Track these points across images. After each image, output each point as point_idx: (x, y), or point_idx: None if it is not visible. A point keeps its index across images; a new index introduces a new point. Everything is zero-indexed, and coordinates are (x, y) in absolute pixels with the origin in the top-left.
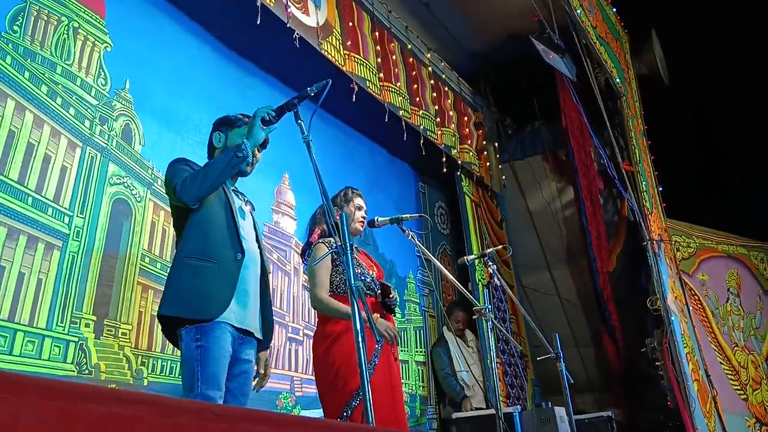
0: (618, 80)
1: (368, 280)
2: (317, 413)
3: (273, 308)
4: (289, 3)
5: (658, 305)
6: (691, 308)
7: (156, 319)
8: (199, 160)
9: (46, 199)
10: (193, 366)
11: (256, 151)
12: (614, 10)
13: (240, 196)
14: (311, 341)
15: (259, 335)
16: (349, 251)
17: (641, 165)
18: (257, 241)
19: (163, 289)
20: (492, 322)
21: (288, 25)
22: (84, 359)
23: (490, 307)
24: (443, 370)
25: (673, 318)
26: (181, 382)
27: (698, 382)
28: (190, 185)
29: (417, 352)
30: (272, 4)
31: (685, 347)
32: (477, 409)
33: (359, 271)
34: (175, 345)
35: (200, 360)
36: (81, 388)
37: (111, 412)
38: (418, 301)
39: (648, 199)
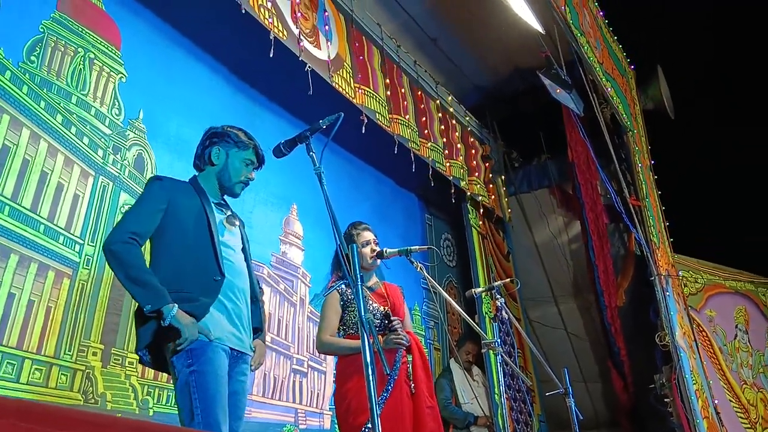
0: (624, 115)
1: (378, 317)
2: None
3: (278, 338)
4: (302, 37)
5: (667, 341)
6: (699, 344)
7: None
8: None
9: (58, 227)
10: (189, 392)
11: (252, 176)
12: (620, 46)
13: (223, 209)
14: (316, 373)
15: (251, 351)
16: (359, 283)
17: (648, 199)
18: (244, 252)
19: None
20: (501, 356)
21: (300, 59)
22: (90, 388)
23: (500, 341)
24: (445, 400)
25: (681, 354)
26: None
27: (708, 420)
28: (115, 244)
29: None
30: (285, 38)
31: (694, 384)
32: None
33: (369, 307)
34: (166, 372)
35: (196, 385)
36: (97, 417)
37: None
38: (423, 333)
39: (655, 234)
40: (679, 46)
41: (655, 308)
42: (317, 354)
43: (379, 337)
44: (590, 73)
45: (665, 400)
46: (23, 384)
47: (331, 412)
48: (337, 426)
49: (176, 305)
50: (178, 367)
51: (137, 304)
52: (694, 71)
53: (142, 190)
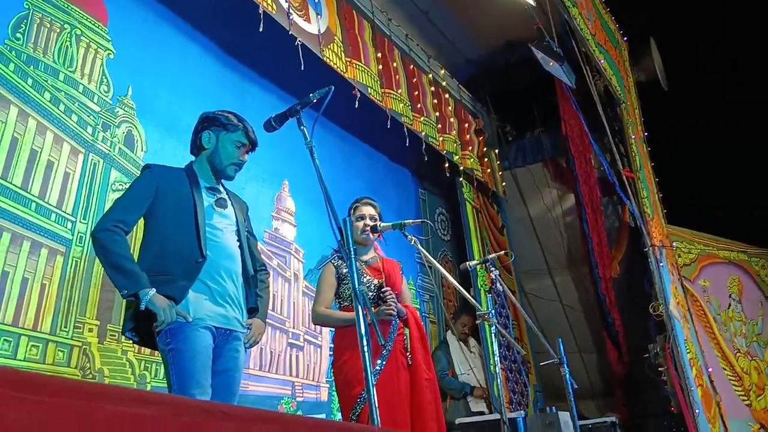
0: (617, 87)
1: (373, 289)
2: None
3: (273, 313)
4: (291, 11)
5: (661, 311)
6: (693, 314)
7: None
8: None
9: (49, 204)
10: (169, 371)
11: (244, 158)
12: (613, 18)
13: (214, 193)
14: (312, 347)
15: (243, 329)
16: (352, 256)
17: (642, 171)
18: (238, 233)
19: None
20: (496, 327)
21: (290, 33)
22: (88, 364)
23: (493, 312)
24: (442, 371)
25: (675, 323)
26: None
27: (702, 388)
28: (99, 232)
29: None
30: (274, 12)
31: (688, 353)
32: (478, 413)
33: (363, 280)
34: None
35: (173, 362)
36: (94, 387)
37: (123, 411)
38: (418, 307)
39: (649, 205)
40: (671, 17)
41: (649, 279)
42: (313, 328)
43: (373, 309)
44: (583, 45)
45: (659, 369)
46: (20, 360)
47: (327, 385)
48: (336, 397)
49: (153, 289)
50: (160, 347)
51: None
52: (686, 42)
53: (131, 167)
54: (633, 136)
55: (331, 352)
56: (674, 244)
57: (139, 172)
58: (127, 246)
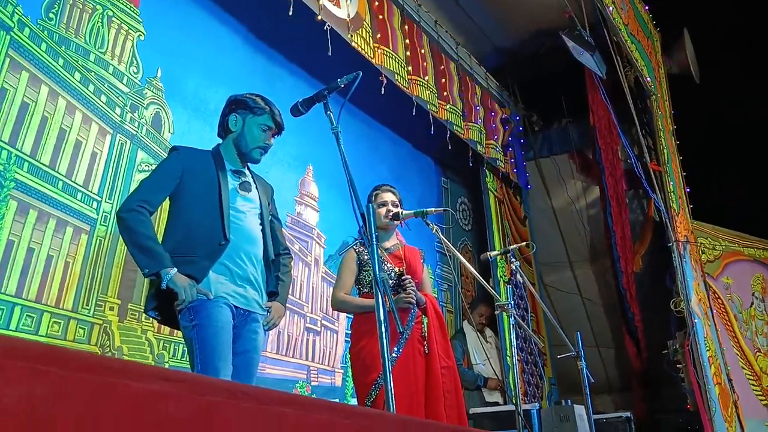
0: (648, 78)
1: (393, 277)
2: None
3: (292, 297)
4: None
5: (682, 307)
6: (714, 311)
7: None
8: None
9: (76, 184)
10: (192, 346)
11: (270, 142)
12: (647, 7)
13: (239, 176)
14: (329, 332)
15: (262, 311)
16: (374, 243)
17: (669, 165)
18: (261, 217)
19: None
20: (514, 318)
21: (319, 17)
22: (108, 342)
23: (512, 303)
24: (456, 361)
25: (696, 320)
26: None
27: (720, 386)
28: (124, 212)
29: None
30: None
31: (707, 350)
32: (493, 404)
33: (384, 267)
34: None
35: (197, 338)
36: (117, 363)
37: (146, 388)
38: (436, 296)
39: (675, 200)
40: (706, 8)
41: (671, 274)
42: (330, 313)
43: (393, 296)
44: (615, 35)
45: (678, 366)
46: (42, 336)
47: (342, 371)
48: (352, 383)
49: (175, 269)
50: (183, 324)
51: None
52: (720, 34)
53: (158, 148)
54: (662, 129)
55: (348, 338)
56: (698, 240)
57: (166, 154)
58: (151, 226)
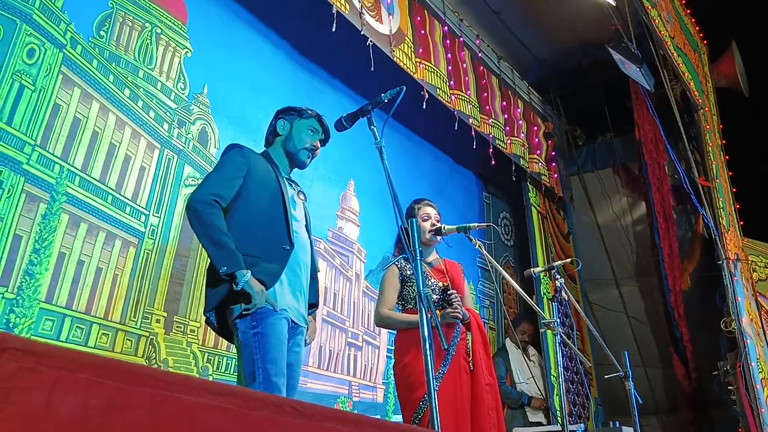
0: (696, 92)
1: (438, 292)
2: None
3: (334, 312)
4: (364, 11)
5: (733, 327)
6: (767, 331)
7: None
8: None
9: (125, 197)
10: (252, 354)
11: (317, 145)
12: (693, 20)
13: (293, 185)
14: (370, 348)
15: (305, 324)
16: (418, 258)
17: (718, 181)
18: (307, 228)
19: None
20: (561, 336)
21: (362, 33)
22: (154, 354)
23: (558, 321)
24: (500, 379)
25: (748, 341)
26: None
27: None
28: (199, 203)
29: None
30: (347, 12)
31: (760, 372)
32: (536, 423)
33: (428, 283)
34: (228, 339)
35: (259, 347)
36: (169, 376)
37: (198, 402)
38: (477, 312)
39: (725, 217)
40: (756, 20)
41: (721, 293)
42: (372, 328)
43: (437, 312)
44: (661, 48)
45: (729, 387)
46: (91, 348)
47: (384, 386)
48: (397, 399)
49: (249, 271)
50: (242, 329)
51: (211, 265)
52: None
53: (204, 163)
54: (710, 144)
55: (390, 354)
56: (750, 257)
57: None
58: (224, 222)
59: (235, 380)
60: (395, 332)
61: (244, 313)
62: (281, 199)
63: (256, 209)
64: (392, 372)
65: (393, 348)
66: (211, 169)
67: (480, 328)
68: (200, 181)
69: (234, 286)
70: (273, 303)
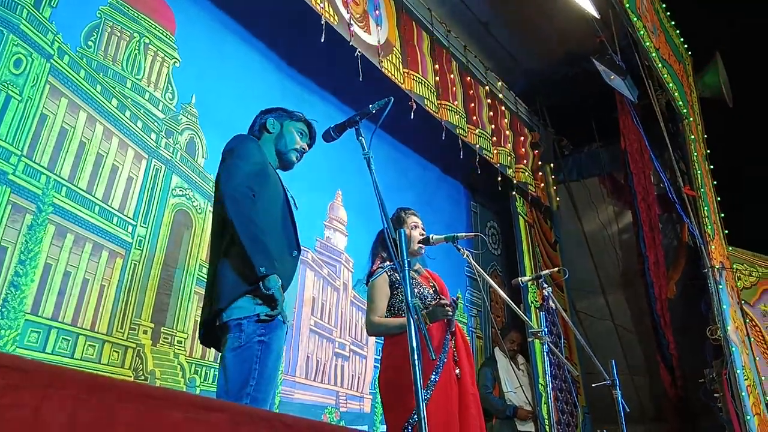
0: (680, 102)
1: (428, 298)
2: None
3: (321, 322)
4: (352, 21)
5: (718, 335)
6: (752, 339)
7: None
8: None
9: (112, 208)
10: (251, 362)
11: (306, 148)
12: (677, 31)
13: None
14: (357, 357)
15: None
16: (406, 268)
17: (703, 190)
18: None
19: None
20: (548, 345)
21: (350, 44)
22: (141, 365)
23: (546, 330)
24: (485, 389)
25: (733, 348)
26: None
27: (759, 417)
28: (240, 193)
29: None
30: (336, 23)
31: (746, 379)
32: None
33: (418, 290)
34: (214, 346)
35: (260, 357)
36: (159, 392)
37: (186, 417)
38: (466, 321)
39: (709, 225)
40: (738, 32)
41: (706, 301)
42: (359, 338)
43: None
44: (646, 59)
45: (715, 395)
46: (77, 360)
47: (371, 396)
48: (381, 409)
49: (279, 277)
50: (248, 331)
51: (240, 261)
52: (753, 57)
53: (192, 173)
54: (695, 153)
55: (377, 363)
56: (734, 266)
57: (199, 179)
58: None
59: None
60: (383, 341)
61: (264, 318)
62: (285, 200)
63: (269, 210)
64: (377, 381)
65: (380, 357)
66: (200, 180)
67: (464, 338)
68: (229, 172)
69: (263, 289)
70: (284, 315)
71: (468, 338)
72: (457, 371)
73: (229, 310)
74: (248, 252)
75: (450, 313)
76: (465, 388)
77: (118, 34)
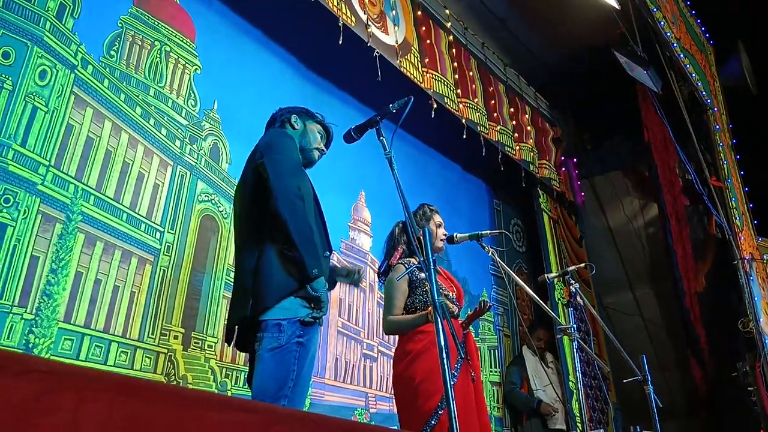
0: (704, 92)
1: (453, 299)
2: None
3: (348, 323)
4: (370, 22)
5: (750, 327)
6: None
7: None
8: None
9: (140, 215)
10: (289, 363)
11: (323, 146)
12: (698, 21)
13: None
14: (385, 358)
15: None
16: (432, 267)
17: (729, 180)
18: None
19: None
20: (578, 342)
21: (368, 44)
22: (173, 370)
23: (575, 326)
24: (511, 385)
25: (766, 341)
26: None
27: None
28: (295, 194)
29: (492, 372)
30: (353, 24)
31: None
32: (557, 430)
33: (441, 291)
34: (240, 345)
35: (299, 358)
36: (192, 393)
37: (220, 418)
38: (492, 320)
39: (738, 216)
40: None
41: (737, 294)
42: (387, 339)
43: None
44: (667, 50)
45: (749, 389)
46: (110, 366)
47: None
48: (396, 409)
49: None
50: (287, 332)
51: (290, 261)
52: None
53: (217, 178)
54: (720, 144)
55: (394, 362)
56: (765, 256)
57: (224, 184)
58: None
59: None
60: (397, 341)
61: (309, 320)
62: (316, 198)
63: (310, 211)
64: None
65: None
66: (224, 185)
67: (470, 335)
68: (270, 165)
69: (312, 291)
70: (322, 318)
71: (495, 337)
72: (473, 373)
73: (271, 310)
74: (302, 253)
75: (455, 310)
76: (479, 385)
77: (140, 43)
